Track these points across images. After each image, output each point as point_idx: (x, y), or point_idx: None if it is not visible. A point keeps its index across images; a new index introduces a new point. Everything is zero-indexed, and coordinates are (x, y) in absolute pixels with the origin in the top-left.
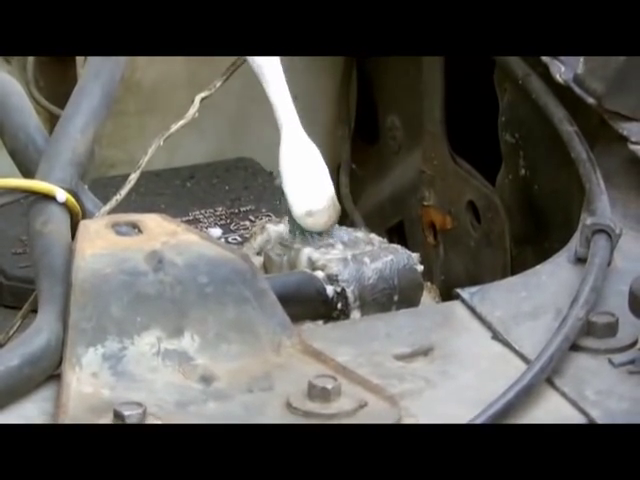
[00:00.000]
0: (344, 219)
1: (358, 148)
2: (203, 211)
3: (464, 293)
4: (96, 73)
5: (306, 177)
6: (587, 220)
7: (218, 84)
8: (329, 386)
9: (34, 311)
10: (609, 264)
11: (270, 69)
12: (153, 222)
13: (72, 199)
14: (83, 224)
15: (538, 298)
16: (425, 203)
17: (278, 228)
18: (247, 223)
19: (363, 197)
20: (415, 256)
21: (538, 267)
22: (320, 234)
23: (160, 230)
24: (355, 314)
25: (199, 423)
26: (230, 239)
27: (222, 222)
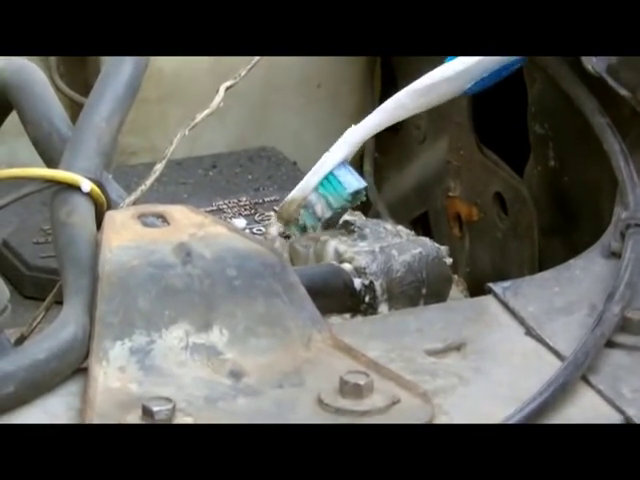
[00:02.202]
0: (368, 209)
1: (382, 137)
2: (227, 201)
3: (496, 287)
4: (120, 60)
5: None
6: (622, 214)
7: (243, 73)
8: (361, 382)
9: (58, 302)
10: None
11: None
12: (180, 213)
13: (97, 189)
14: (109, 215)
15: (571, 293)
16: (450, 194)
17: None
18: (271, 213)
19: (387, 187)
20: (444, 249)
21: (571, 261)
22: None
23: (187, 221)
24: (383, 307)
25: (228, 423)
26: (255, 230)
27: (246, 212)
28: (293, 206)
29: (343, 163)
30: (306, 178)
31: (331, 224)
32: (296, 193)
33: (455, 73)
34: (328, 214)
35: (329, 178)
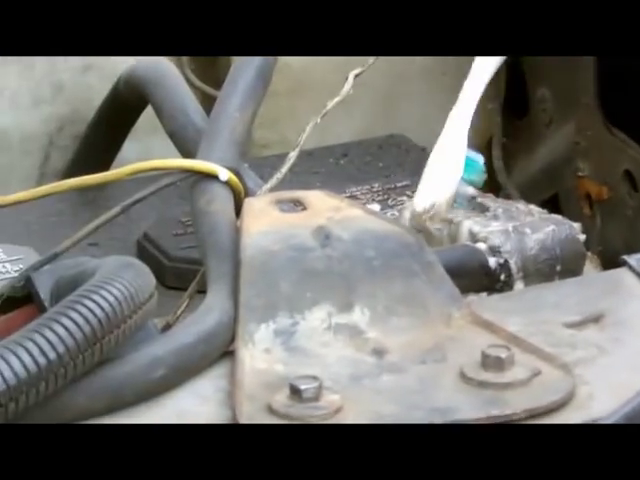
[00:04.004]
0: (498, 192)
1: (509, 122)
2: (359, 187)
3: (631, 260)
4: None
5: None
6: None
7: (371, 60)
8: (503, 355)
9: (200, 291)
10: None
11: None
12: (316, 198)
13: (234, 178)
14: (248, 202)
15: None
16: (580, 174)
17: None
18: (404, 199)
19: (516, 170)
20: (577, 226)
21: None
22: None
23: (324, 206)
24: (518, 285)
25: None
26: (389, 215)
27: (379, 198)
28: (444, 207)
29: None
30: (443, 177)
31: None
32: (442, 195)
33: None
34: (475, 192)
35: None
